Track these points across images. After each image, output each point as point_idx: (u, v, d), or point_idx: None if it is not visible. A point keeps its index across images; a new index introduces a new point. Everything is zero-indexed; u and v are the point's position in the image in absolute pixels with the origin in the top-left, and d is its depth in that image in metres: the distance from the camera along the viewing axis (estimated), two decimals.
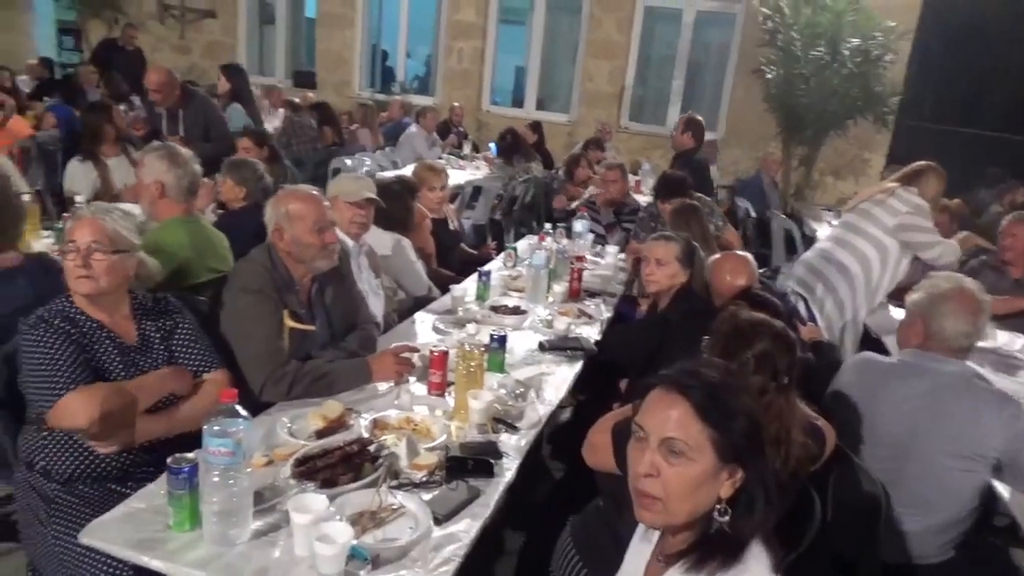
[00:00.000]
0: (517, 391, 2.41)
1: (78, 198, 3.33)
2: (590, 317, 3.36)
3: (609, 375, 3.10)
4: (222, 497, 1.52)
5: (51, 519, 1.88)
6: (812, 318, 3.76)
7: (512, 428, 2.17)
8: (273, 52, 11.48)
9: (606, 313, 3.47)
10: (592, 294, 3.69)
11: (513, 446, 2.09)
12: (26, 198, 3.36)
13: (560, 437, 3.15)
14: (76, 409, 1.84)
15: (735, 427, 1.24)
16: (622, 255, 4.44)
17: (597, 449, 1.85)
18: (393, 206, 3.53)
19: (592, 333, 3.17)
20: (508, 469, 1.97)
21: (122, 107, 7.20)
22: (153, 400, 1.99)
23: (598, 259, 4.37)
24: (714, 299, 2.87)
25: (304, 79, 10.95)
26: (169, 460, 1.55)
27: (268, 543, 1.58)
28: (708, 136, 8.90)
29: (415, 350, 2.50)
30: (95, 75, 8.71)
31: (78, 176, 4.28)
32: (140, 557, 1.53)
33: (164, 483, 1.63)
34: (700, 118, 5.73)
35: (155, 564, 1.52)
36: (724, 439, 1.23)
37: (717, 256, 3.05)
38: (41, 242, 3.31)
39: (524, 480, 2.05)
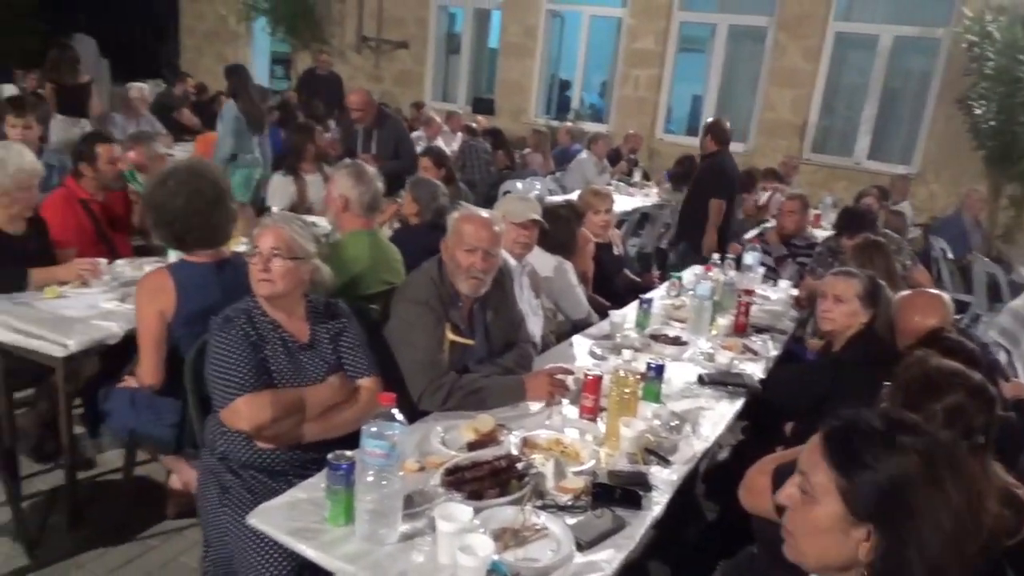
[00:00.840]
0: (672, 423, 2.32)
1: (274, 209, 3.65)
2: (755, 353, 3.19)
3: (774, 416, 2.92)
4: (375, 497, 1.58)
5: (223, 502, 2.05)
6: (1016, 374, 3.35)
7: (664, 461, 2.09)
8: (457, 80, 12.07)
9: (773, 351, 3.28)
10: (759, 330, 3.51)
11: (664, 480, 2.01)
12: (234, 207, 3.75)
13: (715, 476, 3.01)
14: (244, 413, 2.01)
15: (865, 481, 1.11)
16: (795, 291, 4.19)
17: (755, 492, 1.73)
18: (558, 230, 3.56)
19: (757, 370, 3.00)
20: (657, 503, 1.90)
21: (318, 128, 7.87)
22: (320, 410, 2.13)
23: (767, 293, 4.16)
24: (898, 340, 2.62)
25: (483, 105, 11.39)
26: (330, 456, 1.63)
27: (414, 547, 1.62)
28: (900, 170, 8.35)
29: (570, 372, 2.49)
30: (297, 99, 9.60)
31: (279, 189, 4.70)
32: (297, 544, 1.62)
33: (323, 476, 1.73)
34: (724, 122, 5.83)
35: (310, 553, 1.60)
36: (851, 491, 1.11)
37: (907, 292, 2.79)
38: (241, 247, 3.66)
39: (673, 517, 1.97)
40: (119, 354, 2.80)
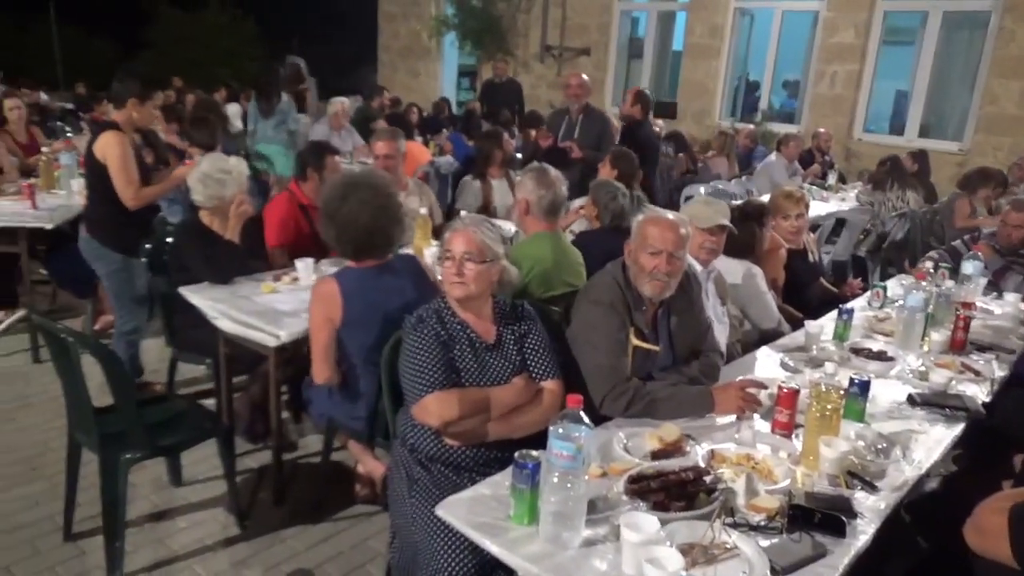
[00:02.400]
0: (879, 446, 2.11)
1: (463, 213, 3.78)
2: (977, 374, 2.83)
3: (1000, 447, 2.58)
4: (560, 499, 1.56)
5: (411, 493, 2.12)
6: None
7: (870, 487, 1.90)
8: (637, 84, 11.92)
9: (999, 372, 2.90)
10: (981, 348, 3.12)
11: (870, 507, 1.82)
12: (423, 211, 3.92)
13: (921, 507, 2.70)
14: (433, 410, 2.08)
15: None
16: None
17: (988, 533, 1.52)
18: (739, 231, 3.38)
19: (979, 393, 2.66)
20: (863, 532, 1.72)
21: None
22: (504, 410, 2.15)
23: (991, 307, 3.69)
24: None
25: (664, 109, 11.16)
26: (517, 455, 1.63)
27: (596, 553, 1.58)
28: None
29: (763, 387, 2.33)
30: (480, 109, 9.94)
31: (467, 193, 4.87)
32: (482, 539, 1.64)
33: (507, 475, 1.73)
34: (648, 92, 6.23)
35: (494, 549, 1.61)
36: None
37: None
38: (430, 250, 3.80)
39: (880, 548, 1.78)
40: None
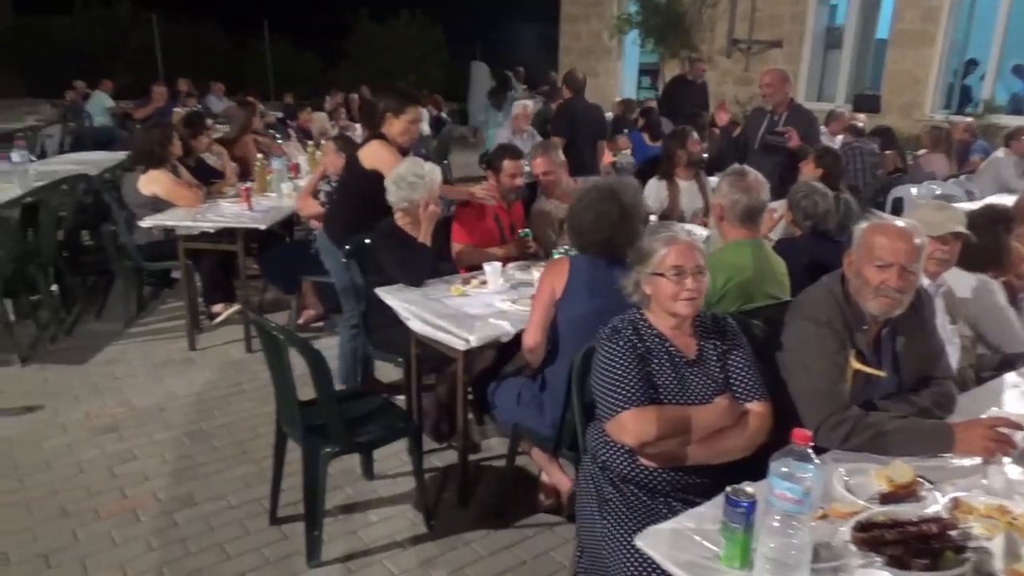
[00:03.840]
0: None
1: (652, 217, 3.63)
2: None
3: None
4: (780, 545, 1.39)
5: (603, 514, 2.02)
6: None
7: None
8: (835, 76, 11.09)
9: None
10: None
11: None
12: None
13: None
14: (630, 428, 1.97)
15: None
16: None
17: None
18: (982, 241, 2.95)
19: None
20: None
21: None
22: (706, 432, 2.00)
23: None
24: None
25: (866, 102, 10.27)
26: (728, 490, 1.48)
27: None
28: None
29: (1019, 427, 1.99)
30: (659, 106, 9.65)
31: (651, 194, 4.70)
32: None
33: (713, 507, 1.59)
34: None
35: None
36: None
37: None
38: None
39: None
40: (510, 351, 3.01)
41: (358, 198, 3.73)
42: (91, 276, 5.67)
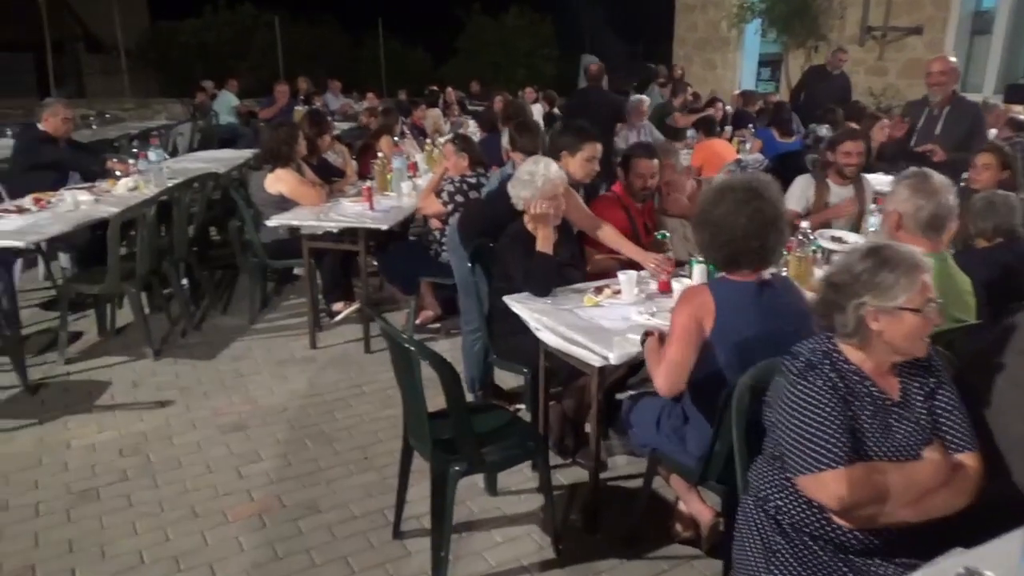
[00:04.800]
0: None
1: (804, 224, 3.31)
2: None
3: None
4: None
5: (769, 567, 1.79)
6: None
7: None
8: (983, 65, 10.18)
9: None
10: None
11: None
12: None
13: None
14: (834, 490, 1.68)
15: None
16: None
17: None
18: None
19: None
20: None
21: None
22: (917, 495, 1.71)
23: None
24: None
25: (1019, 93, 9.36)
26: (964, 570, 1.22)
27: None
28: None
29: None
30: (791, 100, 9.09)
31: (798, 191, 4.36)
32: None
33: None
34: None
35: None
36: None
37: None
38: None
39: None
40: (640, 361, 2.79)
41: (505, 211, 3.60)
42: (218, 271, 5.85)
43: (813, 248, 3.27)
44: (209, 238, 5.97)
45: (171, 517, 2.99)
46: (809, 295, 2.94)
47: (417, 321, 4.85)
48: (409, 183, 5.11)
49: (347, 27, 21.31)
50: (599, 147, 3.68)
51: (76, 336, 4.73)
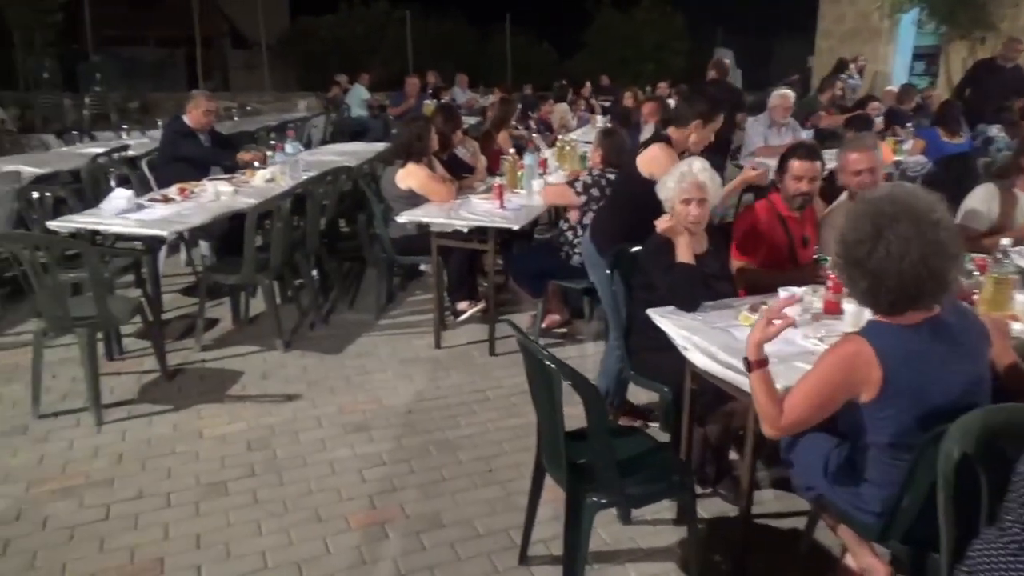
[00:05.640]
0: None
1: (1004, 240, 2.85)
2: None
3: None
4: None
5: None
6: None
7: None
8: None
9: None
10: None
11: None
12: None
13: None
14: None
15: None
16: None
17: None
18: None
19: None
20: None
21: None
22: None
23: None
24: None
25: None
26: None
27: None
28: None
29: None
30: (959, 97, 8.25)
31: (980, 200, 3.85)
32: None
33: None
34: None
35: None
36: None
37: None
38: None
39: None
40: None
41: (631, 208, 3.35)
42: (347, 263, 5.89)
43: (1014, 269, 2.81)
44: (339, 230, 6.02)
45: (295, 519, 2.92)
46: (1017, 326, 2.53)
47: (543, 325, 4.66)
48: (540, 181, 4.92)
49: (475, 22, 21.45)
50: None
51: (212, 323, 4.85)
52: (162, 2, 19.31)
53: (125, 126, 8.73)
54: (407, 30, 18.77)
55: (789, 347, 2.50)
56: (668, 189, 2.99)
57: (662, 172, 3.15)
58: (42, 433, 3.54)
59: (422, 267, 5.45)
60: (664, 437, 3.49)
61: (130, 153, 6.67)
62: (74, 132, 8.28)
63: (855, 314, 2.60)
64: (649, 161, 3.30)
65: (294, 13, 22.74)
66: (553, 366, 2.18)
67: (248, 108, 12.99)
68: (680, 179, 2.96)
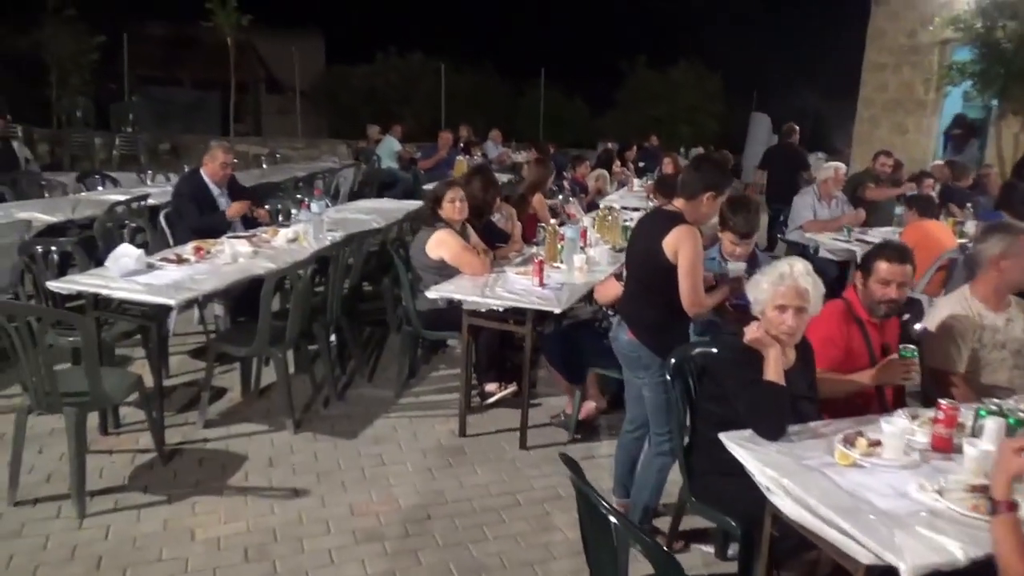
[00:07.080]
0: None
1: None
2: None
3: None
4: None
5: None
6: None
7: None
8: None
9: None
10: None
11: None
12: None
13: None
14: None
15: None
16: None
17: None
18: None
19: None
20: None
21: None
22: None
23: None
24: None
25: None
26: None
27: None
28: None
29: None
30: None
31: None
32: None
33: None
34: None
35: None
36: None
37: None
38: None
39: None
40: None
41: (664, 297, 2.95)
42: (367, 327, 5.51)
43: None
44: (361, 291, 5.66)
45: None
46: None
47: (580, 417, 4.21)
48: (582, 255, 4.52)
49: (507, 76, 21.45)
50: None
51: (220, 393, 4.46)
52: (200, 44, 19.49)
53: (150, 171, 8.52)
54: (441, 81, 18.76)
55: (902, 501, 2.04)
56: (761, 291, 2.58)
57: (686, 253, 2.88)
58: (16, 525, 3.13)
59: (450, 342, 5.04)
60: (720, 567, 3.05)
61: (150, 202, 6.40)
62: (96, 176, 8.05)
63: (978, 460, 2.15)
64: (676, 241, 2.89)
65: (329, 61, 22.92)
66: (619, 523, 1.75)
67: (278, 156, 12.84)
68: (778, 281, 2.55)
